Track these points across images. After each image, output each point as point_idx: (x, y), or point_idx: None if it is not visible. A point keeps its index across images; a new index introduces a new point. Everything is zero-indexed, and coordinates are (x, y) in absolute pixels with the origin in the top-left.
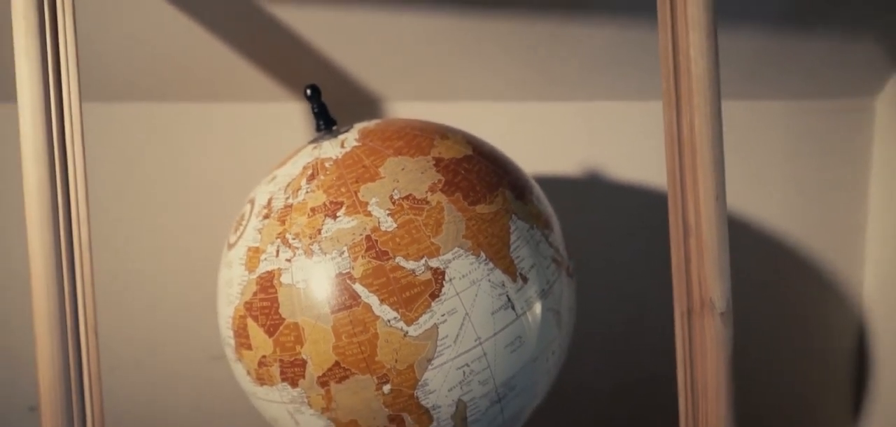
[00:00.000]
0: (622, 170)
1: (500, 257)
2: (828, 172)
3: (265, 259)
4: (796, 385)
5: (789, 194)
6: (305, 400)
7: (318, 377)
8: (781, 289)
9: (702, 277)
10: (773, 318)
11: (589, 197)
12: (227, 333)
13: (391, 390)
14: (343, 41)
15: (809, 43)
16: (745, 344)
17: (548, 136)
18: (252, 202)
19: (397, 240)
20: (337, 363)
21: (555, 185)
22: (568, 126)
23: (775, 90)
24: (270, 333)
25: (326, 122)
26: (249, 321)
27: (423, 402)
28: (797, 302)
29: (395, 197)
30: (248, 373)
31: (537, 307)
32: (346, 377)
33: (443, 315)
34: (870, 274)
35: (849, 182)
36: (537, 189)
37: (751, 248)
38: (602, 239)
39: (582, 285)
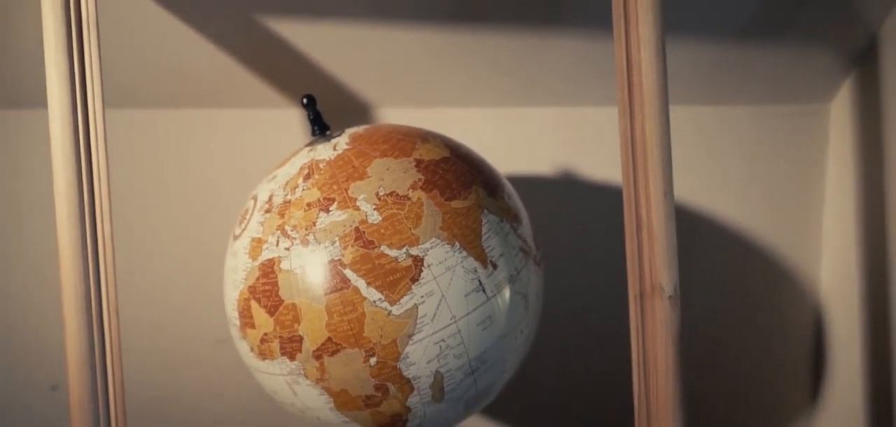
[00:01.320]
0: (593, 170)
1: (473, 246)
2: (787, 172)
3: (267, 248)
4: (759, 369)
5: (752, 192)
6: (302, 372)
7: (313, 351)
8: (745, 280)
9: (652, 265)
10: (737, 308)
11: (563, 195)
12: (233, 314)
13: (377, 362)
14: (336, 52)
15: (769, 52)
16: (711, 332)
17: (525, 138)
18: (255, 198)
19: (382, 231)
20: (329, 339)
21: (531, 184)
22: (544, 130)
23: (739, 96)
24: (271, 313)
25: (321, 128)
26: (253, 303)
27: (405, 373)
28: (760, 292)
29: (381, 193)
30: (252, 349)
31: (506, 291)
32: (338, 351)
33: (422, 296)
34: (826, 266)
35: (807, 181)
36: (508, 187)
37: (716, 242)
38: (575, 233)
39: (556, 275)
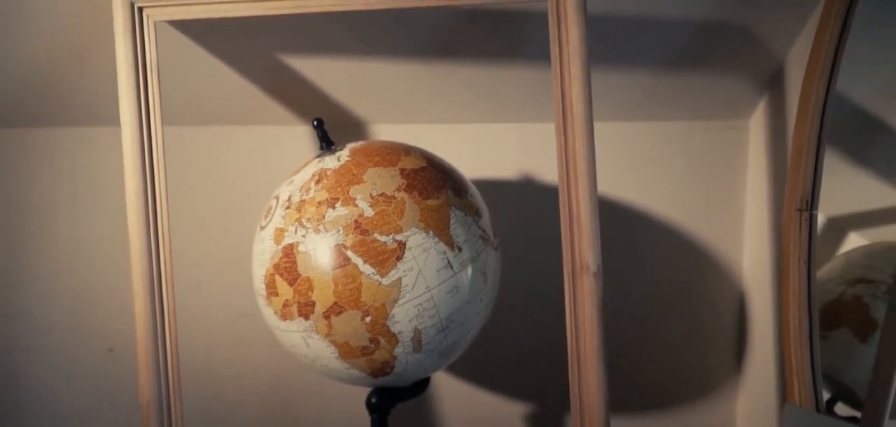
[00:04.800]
0: (546, 175)
1: (443, 234)
2: (715, 176)
3: (287, 235)
4: (692, 343)
5: (685, 193)
6: (314, 328)
7: (323, 312)
8: (679, 267)
9: (581, 249)
10: (673, 290)
11: (523, 195)
12: (261, 286)
13: (371, 321)
14: (338, 80)
15: (697, 77)
16: (650, 311)
17: (493, 149)
18: (277, 198)
19: (375, 222)
20: (335, 303)
21: (497, 187)
22: (508, 142)
23: (674, 113)
24: (291, 284)
25: (327, 144)
26: (277, 277)
27: (392, 329)
28: (692, 277)
29: (374, 194)
30: (276, 312)
31: (469, 268)
32: (342, 312)
33: (404, 271)
34: (747, 256)
35: (731, 183)
36: (472, 188)
37: (655, 235)
38: (532, 226)
39: (516, 258)
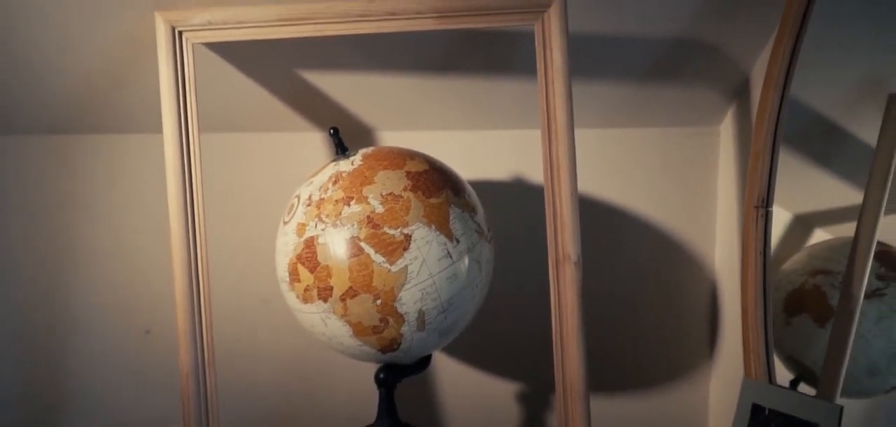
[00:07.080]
0: (535, 176)
1: (443, 228)
2: (690, 177)
3: (308, 229)
4: (669, 329)
5: (663, 193)
6: (332, 310)
7: (340, 296)
8: (657, 260)
9: (563, 241)
10: (651, 282)
11: (514, 194)
12: (284, 274)
13: (381, 303)
14: (350, 92)
15: (672, 88)
16: (629, 301)
17: (487, 153)
18: (298, 197)
19: (385, 217)
20: (350, 287)
21: (491, 186)
22: (502, 146)
23: (653, 120)
24: (312, 271)
25: (342, 149)
26: (299, 265)
27: (399, 310)
28: (668, 271)
29: (383, 193)
30: (298, 296)
31: (466, 258)
32: (356, 295)
33: (410, 260)
34: (719, 250)
35: (704, 183)
36: (469, 188)
37: (634, 234)
38: (523, 222)
39: (509, 252)
